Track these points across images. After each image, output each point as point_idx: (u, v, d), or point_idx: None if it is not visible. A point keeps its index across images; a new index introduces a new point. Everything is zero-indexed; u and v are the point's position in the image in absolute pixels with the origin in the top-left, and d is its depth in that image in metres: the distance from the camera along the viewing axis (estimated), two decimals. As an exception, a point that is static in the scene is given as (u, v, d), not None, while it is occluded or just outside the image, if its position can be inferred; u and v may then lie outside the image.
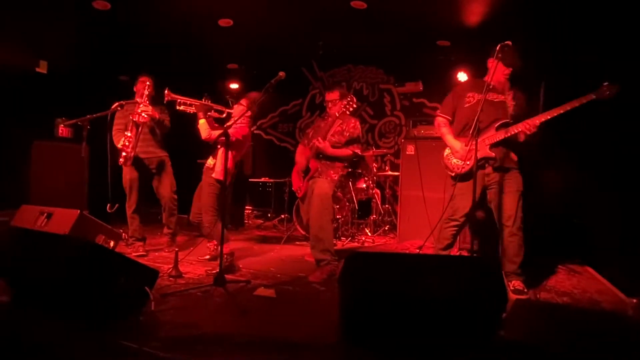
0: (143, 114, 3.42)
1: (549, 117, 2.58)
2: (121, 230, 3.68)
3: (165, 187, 3.82)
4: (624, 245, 3.05)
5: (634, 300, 2.29)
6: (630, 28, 3.28)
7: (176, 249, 3.08)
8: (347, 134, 3.24)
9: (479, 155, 2.60)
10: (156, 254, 3.76)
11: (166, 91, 3.20)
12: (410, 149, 4.57)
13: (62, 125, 4.94)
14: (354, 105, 3.09)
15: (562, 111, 2.54)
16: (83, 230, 3.08)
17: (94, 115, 2.94)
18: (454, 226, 2.87)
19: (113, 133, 3.61)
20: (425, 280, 1.86)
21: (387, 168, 5.39)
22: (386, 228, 5.15)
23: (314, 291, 2.75)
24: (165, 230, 3.97)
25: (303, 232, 4.56)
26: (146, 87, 3.61)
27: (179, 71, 6.03)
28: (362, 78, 6.48)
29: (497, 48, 2.53)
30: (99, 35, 4.93)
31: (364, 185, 5.02)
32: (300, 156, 3.43)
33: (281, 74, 2.97)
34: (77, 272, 1.99)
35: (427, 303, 1.79)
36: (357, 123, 3.35)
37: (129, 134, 3.41)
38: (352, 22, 4.79)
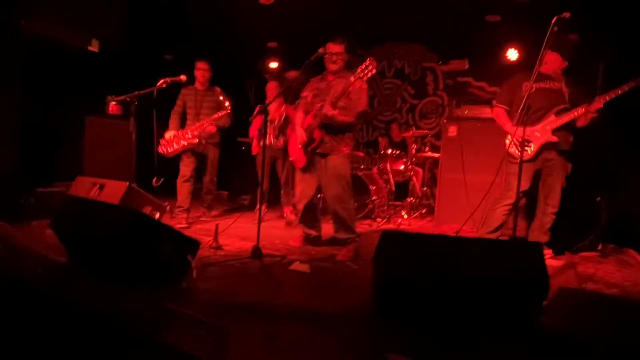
0: (193, 140, 3.84)
1: (608, 99, 2.64)
2: (166, 203, 3.87)
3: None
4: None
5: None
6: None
7: (217, 223, 3.20)
8: (354, 97, 2.85)
9: (544, 140, 2.81)
10: (198, 226, 3.93)
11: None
12: (453, 130, 4.40)
13: (112, 102, 5.19)
14: (374, 71, 2.68)
15: (620, 92, 2.58)
16: (131, 202, 3.27)
17: (141, 92, 3.07)
18: (507, 205, 2.95)
19: (174, 110, 4.02)
20: (463, 262, 1.82)
21: (427, 149, 5.24)
22: (423, 211, 5.06)
23: (347, 268, 2.78)
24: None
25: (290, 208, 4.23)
26: (203, 74, 3.97)
27: (219, 49, 6.16)
28: (404, 56, 6.26)
29: (553, 21, 2.34)
30: (145, 14, 5.07)
31: (402, 167, 4.93)
32: (300, 125, 3.06)
33: (320, 50, 2.95)
34: (126, 240, 2.13)
35: (464, 286, 1.75)
36: (365, 87, 2.91)
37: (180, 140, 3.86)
38: (395, -3, 4.61)
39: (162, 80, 3.26)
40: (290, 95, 4.31)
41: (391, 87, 6.37)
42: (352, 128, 3.04)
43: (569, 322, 1.56)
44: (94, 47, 4.87)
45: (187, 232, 3.12)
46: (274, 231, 3.81)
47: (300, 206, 3.19)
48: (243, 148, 5.57)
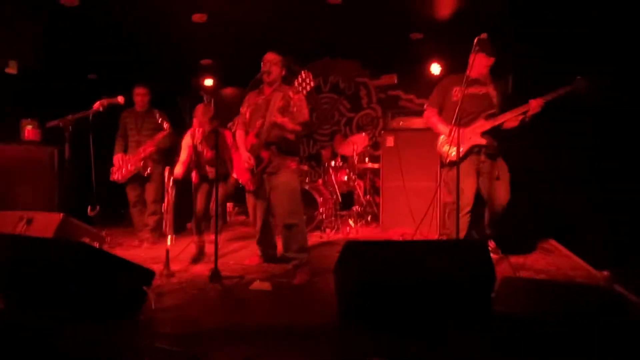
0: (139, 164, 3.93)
1: (549, 99, 2.84)
2: (104, 233, 3.62)
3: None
4: (591, 223, 3.29)
5: (605, 273, 2.50)
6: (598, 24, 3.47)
7: (167, 249, 3.06)
8: (295, 109, 2.80)
9: (472, 143, 2.92)
10: (142, 254, 3.72)
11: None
12: (390, 141, 4.69)
13: (28, 127, 4.74)
14: (311, 84, 2.69)
15: (557, 95, 2.82)
16: (66, 234, 3.01)
17: (76, 116, 2.86)
18: (468, 212, 3.04)
19: (118, 135, 4.08)
20: (418, 265, 1.97)
21: (366, 160, 5.50)
22: (369, 218, 5.27)
23: (308, 282, 2.82)
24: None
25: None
26: (142, 99, 4.09)
27: (150, 68, 5.94)
28: (339, 71, 6.55)
29: (475, 41, 2.65)
30: (67, 33, 4.75)
31: (346, 178, 5.11)
32: (244, 145, 3.01)
33: (263, 69, 2.98)
34: (73, 275, 1.97)
35: (423, 285, 1.89)
36: (304, 99, 2.86)
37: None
38: (327, 16, 4.83)
39: (98, 103, 3.07)
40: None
41: (328, 101, 6.60)
42: (296, 144, 3.03)
43: (516, 306, 1.77)
44: (11, 68, 4.43)
45: (136, 261, 2.97)
46: (225, 253, 3.73)
47: (257, 227, 3.15)
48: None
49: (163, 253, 2.97)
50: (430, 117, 3.20)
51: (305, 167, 5.94)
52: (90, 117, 3.00)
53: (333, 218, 4.90)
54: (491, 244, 3.21)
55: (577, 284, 2.60)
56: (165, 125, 3.90)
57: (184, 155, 3.58)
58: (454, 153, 2.95)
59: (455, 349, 1.59)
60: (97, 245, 3.31)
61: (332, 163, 5.17)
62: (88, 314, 1.89)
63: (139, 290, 2.17)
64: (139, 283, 2.19)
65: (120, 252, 3.61)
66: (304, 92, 2.74)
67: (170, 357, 1.48)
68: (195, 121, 3.45)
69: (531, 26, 4.37)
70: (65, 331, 1.64)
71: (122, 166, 3.96)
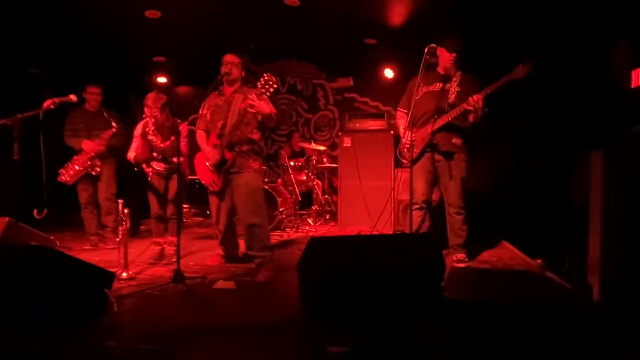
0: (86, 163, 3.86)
1: (488, 92, 2.78)
2: (52, 237, 3.46)
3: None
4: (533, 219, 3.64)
5: (538, 261, 2.80)
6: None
7: (122, 249, 2.98)
8: (256, 110, 2.76)
9: (424, 144, 2.98)
10: (96, 257, 3.58)
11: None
12: (347, 142, 4.86)
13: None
14: (274, 86, 2.71)
15: (497, 86, 2.76)
16: (14, 238, 2.85)
17: (25, 115, 2.70)
18: (417, 209, 3.16)
19: (65, 135, 3.96)
20: (377, 257, 2.12)
21: (324, 160, 5.64)
22: (327, 217, 5.42)
23: (272, 279, 2.88)
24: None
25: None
26: (96, 98, 4.03)
27: (100, 63, 5.68)
28: (296, 73, 6.64)
29: (425, 50, 2.83)
30: (9, 23, 4.43)
31: (304, 178, 5.22)
32: (206, 145, 3.00)
33: (223, 69, 2.99)
34: (29, 279, 1.91)
35: (380, 276, 2.04)
36: (267, 99, 2.84)
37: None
38: (284, 18, 4.90)
39: (49, 101, 2.92)
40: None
41: (286, 102, 6.67)
42: (259, 144, 3.05)
43: (463, 293, 1.96)
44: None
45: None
46: (184, 254, 3.68)
47: (221, 227, 3.15)
48: (136, 169, 5.21)
49: (117, 257, 2.90)
50: (397, 119, 3.26)
51: (264, 167, 5.98)
52: (41, 116, 2.86)
53: (293, 217, 4.99)
54: (459, 255, 3.14)
55: (515, 271, 2.89)
56: (114, 124, 3.89)
57: (134, 145, 3.53)
58: (402, 157, 3.15)
59: (410, 335, 1.75)
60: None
61: (291, 163, 5.25)
62: (50, 319, 1.83)
63: (100, 293, 2.13)
64: (99, 285, 2.15)
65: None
66: (267, 94, 2.75)
67: (144, 356, 1.50)
68: (146, 110, 3.40)
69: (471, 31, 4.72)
70: (27, 339, 1.60)
71: (69, 167, 3.86)
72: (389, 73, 5.94)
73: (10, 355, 1.40)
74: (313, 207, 5.23)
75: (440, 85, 3.06)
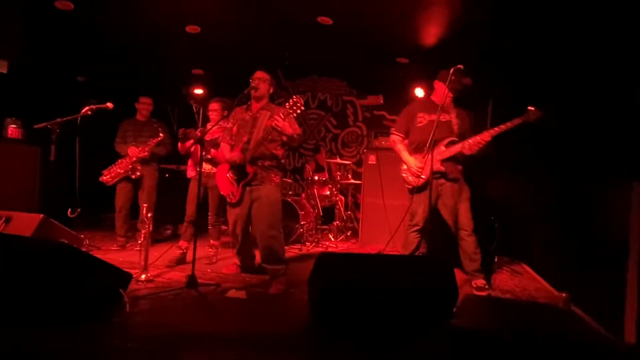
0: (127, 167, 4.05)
1: (495, 133, 2.94)
2: (82, 235, 3.63)
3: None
4: (556, 245, 3.46)
5: (563, 295, 2.64)
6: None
7: (143, 252, 3.09)
8: (280, 130, 2.81)
9: (433, 169, 2.96)
10: (126, 259, 3.72)
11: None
12: (372, 159, 4.84)
13: (11, 125, 4.73)
14: (302, 108, 2.75)
15: (505, 129, 2.91)
16: (45, 235, 3.03)
17: (64, 119, 2.90)
18: (416, 231, 3.17)
19: (115, 142, 4.22)
20: (386, 277, 2.08)
21: (349, 176, 5.63)
22: (348, 234, 5.37)
23: (284, 292, 2.88)
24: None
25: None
26: (147, 108, 4.31)
27: (142, 75, 6.01)
28: (327, 89, 6.73)
29: (451, 71, 2.82)
30: (60, 36, 4.80)
31: (328, 192, 5.22)
32: (230, 154, 3.07)
33: (252, 84, 3.10)
34: (50, 274, 2.01)
35: (388, 297, 1.99)
36: (293, 119, 2.91)
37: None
38: (318, 35, 5.01)
39: (87, 108, 3.13)
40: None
41: (315, 117, 6.75)
42: (280, 160, 3.12)
43: (475, 321, 1.88)
44: (1, 67, 4.45)
45: (115, 264, 3.00)
46: (205, 260, 3.76)
47: (238, 238, 3.18)
48: (167, 175, 5.42)
49: (140, 258, 3.00)
50: (396, 143, 3.27)
51: (289, 180, 6.05)
52: (78, 121, 3.06)
53: (314, 232, 4.98)
54: (479, 282, 3.04)
55: (538, 304, 2.73)
56: (161, 133, 4.16)
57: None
58: (408, 181, 3.18)
59: (415, 356, 1.69)
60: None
61: (316, 177, 5.28)
62: (63, 315, 1.92)
63: (115, 292, 2.21)
64: (115, 285, 2.24)
65: (98, 256, 3.61)
66: (294, 114, 2.80)
67: (143, 357, 1.53)
68: (216, 116, 3.76)
69: (506, 55, 4.64)
70: (36, 334, 1.67)
71: (112, 169, 4.08)
72: (419, 92, 5.88)
73: (11, 350, 1.47)
74: (335, 223, 5.21)
75: (443, 115, 3.09)
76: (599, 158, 2.96)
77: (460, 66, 2.83)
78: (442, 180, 3.11)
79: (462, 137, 3.09)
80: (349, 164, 5.79)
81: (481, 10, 4.02)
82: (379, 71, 5.89)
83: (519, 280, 3.57)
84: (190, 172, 3.90)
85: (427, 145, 2.92)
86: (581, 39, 3.13)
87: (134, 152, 4.08)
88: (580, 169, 3.17)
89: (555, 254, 3.53)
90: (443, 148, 3.08)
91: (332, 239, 5.09)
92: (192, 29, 4.98)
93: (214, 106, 3.89)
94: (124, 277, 2.32)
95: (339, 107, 6.64)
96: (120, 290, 2.23)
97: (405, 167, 3.22)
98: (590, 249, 2.97)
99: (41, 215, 2.98)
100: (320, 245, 4.85)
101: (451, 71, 2.83)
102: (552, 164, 3.68)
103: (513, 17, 3.95)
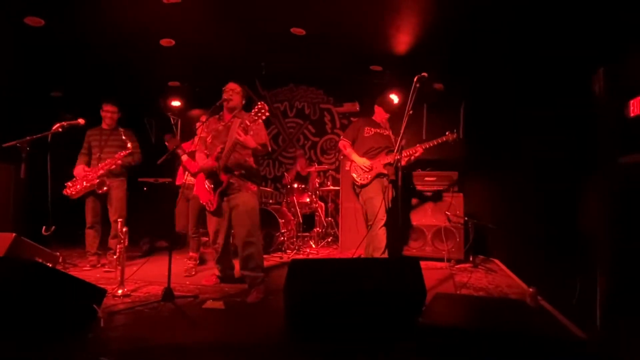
0: (93, 181, 3.85)
1: (425, 148, 3.74)
2: (58, 253, 3.59)
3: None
4: (527, 243, 3.58)
5: (530, 290, 2.74)
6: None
7: (119, 267, 3.08)
8: (252, 132, 2.98)
9: (377, 171, 3.67)
10: (98, 274, 3.69)
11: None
12: (349, 165, 4.90)
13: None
14: (267, 114, 2.84)
15: (425, 147, 3.74)
16: (19, 253, 2.99)
17: (34, 137, 2.89)
18: (382, 225, 3.56)
19: (80, 153, 4.02)
20: (358, 279, 2.14)
21: (329, 183, 5.70)
22: (329, 240, 5.43)
23: (263, 300, 2.91)
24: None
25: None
26: (111, 116, 4.09)
27: (118, 88, 5.98)
28: (304, 98, 6.82)
29: (415, 79, 2.93)
30: (32, 52, 4.76)
31: (308, 200, 5.27)
32: (203, 164, 3.14)
33: (225, 96, 3.15)
34: (22, 293, 2.00)
35: (359, 299, 2.05)
36: (262, 124, 3.05)
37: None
38: (292, 46, 5.10)
39: (57, 125, 3.11)
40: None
41: (294, 125, 6.83)
42: (255, 168, 3.17)
43: (444, 319, 1.94)
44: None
45: (90, 280, 2.97)
46: (184, 273, 3.76)
47: (218, 247, 3.21)
48: (145, 188, 5.39)
49: (119, 274, 2.99)
50: (346, 147, 3.88)
51: (269, 189, 6.08)
52: (49, 138, 3.04)
53: (294, 239, 5.02)
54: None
55: (508, 300, 2.83)
56: (130, 144, 3.95)
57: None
58: (357, 178, 3.74)
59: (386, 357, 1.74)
60: (50, 265, 3.30)
61: (295, 185, 5.33)
62: (36, 333, 1.91)
63: (88, 308, 2.21)
64: (89, 301, 2.23)
65: (74, 273, 3.57)
66: (260, 119, 2.88)
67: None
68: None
69: (476, 62, 4.80)
70: (10, 353, 1.67)
71: (77, 182, 3.87)
72: (394, 98, 6.02)
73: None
74: (315, 230, 5.26)
75: (384, 130, 3.87)
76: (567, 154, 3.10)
77: (425, 74, 2.93)
78: (385, 182, 3.72)
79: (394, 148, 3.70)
80: (329, 171, 5.87)
81: (451, 19, 4.18)
82: (354, 79, 6.02)
83: (492, 278, 3.68)
84: (180, 180, 4.01)
85: (396, 148, 3.29)
86: (548, 40, 3.27)
87: (81, 174, 3.87)
88: (548, 167, 3.32)
89: (529, 249, 3.66)
90: (384, 155, 3.73)
91: (313, 246, 5.13)
92: (166, 42, 5.01)
93: (202, 119, 3.93)
94: (98, 293, 2.31)
95: (317, 115, 6.73)
96: (95, 306, 2.23)
97: (353, 166, 3.78)
98: (560, 242, 3.09)
99: (13, 235, 2.95)
100: (301, 252, 4.89)
101: (415, 79, 2.92)
102: (522, 163, 3.82)
103: (481, 23, 4.12)
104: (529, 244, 3.74)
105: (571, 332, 2.22)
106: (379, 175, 3.69)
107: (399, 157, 3.15)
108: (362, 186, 3.71)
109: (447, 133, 3.74)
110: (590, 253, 2.40)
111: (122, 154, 3.93)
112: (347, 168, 4.96)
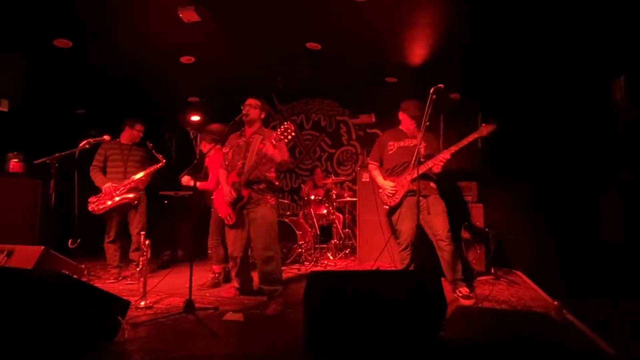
0: (127, 195, 3.89)
1: (453, 151, 3.25)
2: (83, 266, 3.69)
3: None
4: (551, 254, 3.50)
5: (555, 303, 2.67)
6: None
7: (142, 279, 3.14)
8: (278, 150, 2.99)
9: (405, 189, 3.35)
10: (124, 286, 3.77)
11: None
12: (366, 176, 4.91)
13: (13, 160, 4.86)
14: (292, 134, 2.87)
15: (460, 146, 3.23)
16: (47, 266, 3.09)
17: (62, 154, 3.01)
18: (404, 249, 3.37)
19: (91, 167, 3.95)
20: (376, 293, 2.13)
21: (345, 194, 5.70)
22: (347, 251, 5.41)
23: (281, 313, 2.92)
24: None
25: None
26: (139, 135, 4.16)
27: (138, 103, 6.18)
28: (320, 110, 6.88)
29: (431, 90, 2.93)
30: (60, 72, 4.98)
31: (325, 211, 5.28)
32: (225, 184, 3.18)
33: (244, 111, 3.22)
34: (51, 305, 2.06)
35: (379, 312, 2.04)
36: (284, 144, 3.08)
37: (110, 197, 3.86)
38: (308, 60, 5.18)
39: (84, 142, 3.24)
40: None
41: (310, 138, 6.89)
42: (275, 183, 3.23)
43: (466, 333, 1.92)
44: (3, 107, 4.61)
45: (114, 292, 3.05)
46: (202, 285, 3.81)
47: (237, 261, 3.24)
48: (166, 202, 5.51)
49: (141, 286, 3.05)
50: (372, 170, 3.66)
51: (287, 201, 6.13)
52: (77, 155, 3.16)
53: (312, 251, 5.02)
54: (463, 290, 3.17)
55: (532, 313, 2.76)
56: (162, 159, 4.05)
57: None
58: (387, 201, 3.46)
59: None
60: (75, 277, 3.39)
61: (312, 197, 5.35)
62: (63, 345, 1.97)
63: (113, 320, 2.27)
64: (113, 313, 2.29)
65: (98, 285, 3.66)
66: (285, 140, 2.93)
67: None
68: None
69: (490, 72, 4.78)
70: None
71: (103, 198, 3.88)
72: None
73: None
74: (333, 241, 5.25)
75: (410, 141, 3.49)
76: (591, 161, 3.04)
77: (441, 85, 2.93)
78: (414, 198, 3.32)
79: (430, 157, 3.35)
80: (346, 182, 5.88)
81: (464, 31, 4.19)
82: (369, 91, 6.06)
83: (515, 290, 3.59)
84: (212, 184, 3.93)
85: (412, 164, 3.20)
86: (562, 46, 3.25)
87: (133, 184, 3.95)
88: (572, 176, 3.26)
89: (551, 261, 3.57)
90: (411, 169, 3.33)
91: (331, 258, 5.12)
92: (186, 59, 5.17)
93: (204, 145, 4.07)
94: (123, 305, 2.37)
95: (333, 127, 6.78)
96: (119, 317, 2.28)
97: (380, 190, 3.53)
98: (588, 256, 3.01)
99: (42, 248, 3.05)
100: (319, 264, 4.89)
101: (431, 91, 2.93)
102: (545, 173, 3.76)
103: (494, 34, 4.11)
104: (552, 255, 3.65)
105: (599, 347, 2.15)
106: (409, 193, 3.36)
107: (416, 173, 3.11)
108: (392, 209, 3.45)
109: (482, 125, 3.19)
110: (615, 267, 2.33)
111: (156, 167, 4.04)
112: (364, 180, 4.99)
